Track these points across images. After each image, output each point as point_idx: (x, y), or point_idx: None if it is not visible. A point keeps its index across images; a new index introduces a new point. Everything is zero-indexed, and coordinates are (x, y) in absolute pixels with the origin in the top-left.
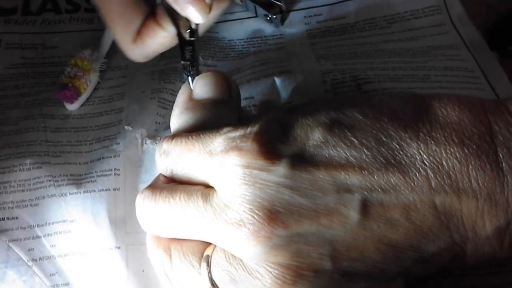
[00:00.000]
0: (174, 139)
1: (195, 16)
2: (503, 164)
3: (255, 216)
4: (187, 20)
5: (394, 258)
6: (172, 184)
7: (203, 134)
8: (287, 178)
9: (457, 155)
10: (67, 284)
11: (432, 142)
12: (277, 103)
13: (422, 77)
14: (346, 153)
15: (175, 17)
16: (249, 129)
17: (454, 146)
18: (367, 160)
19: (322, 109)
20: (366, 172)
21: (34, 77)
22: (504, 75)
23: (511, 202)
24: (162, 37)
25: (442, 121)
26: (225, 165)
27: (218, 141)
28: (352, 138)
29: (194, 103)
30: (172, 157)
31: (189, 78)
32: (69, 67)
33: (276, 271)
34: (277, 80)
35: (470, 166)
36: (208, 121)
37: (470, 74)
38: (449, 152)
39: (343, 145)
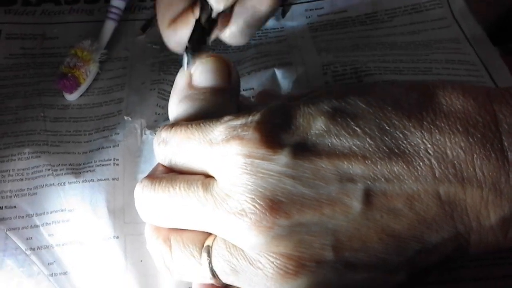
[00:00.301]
0: (173, 128)
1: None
2: (508, 153)
3: (257, 205)
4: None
5: (397, 248)
6: (172, 173)
7: (203, 123)
8: (289, 168)
9: (462, 144)
10: (65, 273)
11: (436, 131)
12: (276, 93)
13: (423, 70)
14: (349, 142)
15: (204, 4)
16: (250, 118)
17: (458, 135)
18: (370, 149)
19: (324, 98)
20: (369, 161)
21: (34, 67)
22: (505, 68)
23: None
24: (192, 25)
25: (446, 109)
26: (226, 154)
27: (218, 130)
28: (355, 127)
29: (193, 92)
30: (171, 146)
31: (184, 55)
32: (68, 57)
33: (278, 261)
34: (278, 72)
35: (475, 155)
36: (208, 111)
37: (472, 67)
38: (453, 141)
39: (346, 134)
